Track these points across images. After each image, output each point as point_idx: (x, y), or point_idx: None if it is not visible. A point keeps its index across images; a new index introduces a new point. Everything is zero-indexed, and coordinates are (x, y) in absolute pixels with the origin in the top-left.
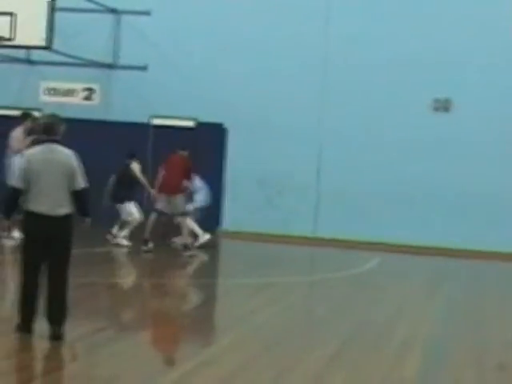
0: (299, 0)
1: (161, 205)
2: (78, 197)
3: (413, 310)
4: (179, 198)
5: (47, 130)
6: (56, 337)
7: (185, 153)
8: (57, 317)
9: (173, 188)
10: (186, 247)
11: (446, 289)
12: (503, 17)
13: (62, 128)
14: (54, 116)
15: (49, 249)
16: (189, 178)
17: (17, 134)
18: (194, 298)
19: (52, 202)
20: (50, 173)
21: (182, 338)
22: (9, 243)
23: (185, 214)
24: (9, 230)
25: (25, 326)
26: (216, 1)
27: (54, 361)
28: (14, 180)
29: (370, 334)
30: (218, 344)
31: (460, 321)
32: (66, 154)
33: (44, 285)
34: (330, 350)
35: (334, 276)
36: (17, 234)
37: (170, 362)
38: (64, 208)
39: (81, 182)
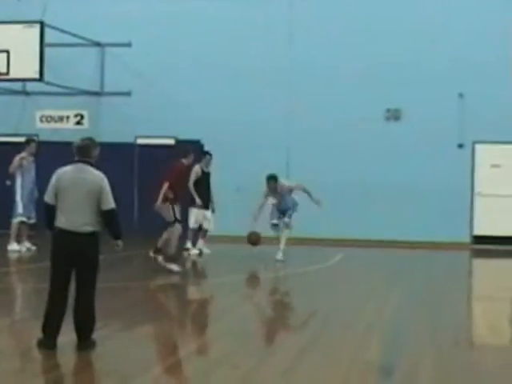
0: (264, 27)
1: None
2: (105, 217)
3: (375, 298)
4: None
5: (80, 151)
6: (82, 348)
7: (186, 160)
8: (85, 328)
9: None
10: (169, 258)
11: (405, 278)
12: (446, 34)
13: (96, 151)
14: (90, 139)
15: (74, 264)
16: (174, 186)
17: (16, 158)
18: (182, 296)
19: (77, 220)
20: (77, 191)
21: (170, 333)
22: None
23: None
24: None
25: (47, 341)
26: (189, 33)
27: (56, 358)
28: (45, 196)
29: (337, 322)
30: (206, 336)
31: (418, 306)
32: (94, 175)
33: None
34: (302, 339)
35: (303, 271)
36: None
37: (160, 354)
38: (89, 226)
39: (108, 203)
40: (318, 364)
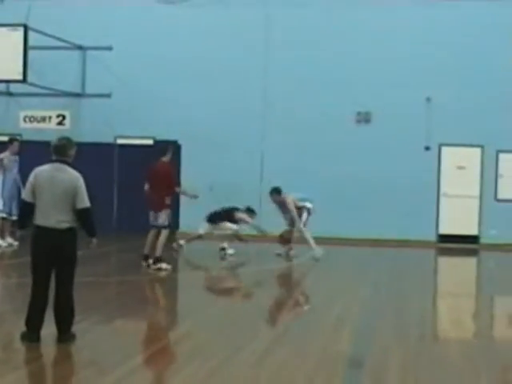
0: (241, 32)
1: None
2: (80, 216)
3: (345, 293)
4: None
5: (57, 150)
6: (62, 341)
7: (165, 158)
8: (65, 321)
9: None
10: (157, 260)
11: (370, 273)
12: (414, 42)
13: (73, 150)
14: (67, 139)
15: (53, 259)
16: (171, 190)
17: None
18: (159, 290)
19: (55, 217)
20: (54, 190)
21: (148, 326)
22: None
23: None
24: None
25: (30, 334)
26: (167, 37)
27: (39, 350)
28: (23, 193)
29: (309, 316)
30: (181, 328)
31: (385, 301)
32: (70, 174)
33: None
34: (276, 330)
35: (277, 267)
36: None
37: (137, 346)
38: (66, 223)
39: (82, 202)
40: (289, 355)
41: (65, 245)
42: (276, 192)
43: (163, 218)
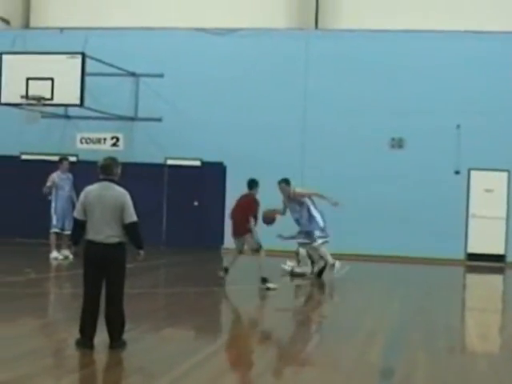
0: (282, 62)
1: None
2: (128, 230)
3: (376, 307)
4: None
5: (104, 169)
6: (113, 348)
7: (254, 192)
8: (115, 329)
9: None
10: (264, 280)
11: (401, 289)
12: (446, 73)
13: (118, 169)
14: (112, 158)
15: (105, 271)
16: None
17: (51, 175)
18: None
19: (105, 232)
20: (103, 207)
21: (194, 335)
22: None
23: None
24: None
25: (84, 341)
26: (214, 66)
27: (92, 356)
28: (75, 212)
29: (342, 328)
30: (225, 338)
31: (413, 314)
32: (118, 191)
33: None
34: (310, 342)
35: (310, 282)
36: (55, 254)
37: (184, 355)
38: (116, 237)
39: (130, 217)
40: (323, 366)
41: (114, 258)
42: (285, 182)
43: (251, 240)
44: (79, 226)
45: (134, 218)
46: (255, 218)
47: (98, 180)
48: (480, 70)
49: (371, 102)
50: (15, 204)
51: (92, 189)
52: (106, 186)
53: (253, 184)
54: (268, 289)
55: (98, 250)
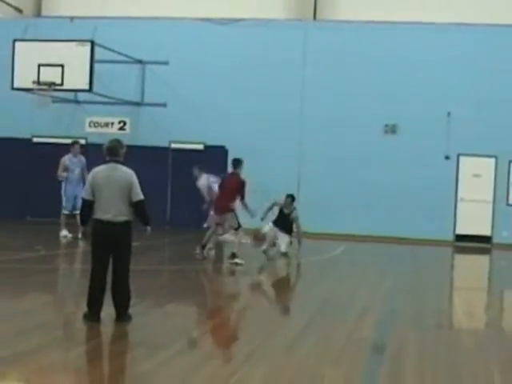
0: (280, 52)
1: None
2: (135, 207)
3: (368, 285)
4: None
5: (110, 151)
6: (122, 320)
7: (236, 171)
8: (121, 304)
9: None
10: (233, 255)
11: (394, 269)
12: (437, 65)
13: (123, 150)
14: (117, 140)
15: (112, 248)
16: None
17: (62, 158)
18: (206, 279)
19: (113, 211)
20: (111, 187)
21: (195, 310)
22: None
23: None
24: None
25: (92, 315)
26: (216, 53)
27: (98, 329)
28: (83, 192)
29: (335, 306)
30: (223, 314)
31: (405, 293)
32: (124, 172)
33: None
34: (306, 317)
35: (306, 261)
36: (64, 232)
37: (186, 328)
38: (123, 216)
39: (137, 195)
40: (317, 341)
41: (121, 236)
42: (291, 198)
43: (232, 219)
44: (87, 206)
45: (141, 197)
46: (242, 197)
47: (105, 162)
48: (470, 61)
49: (366, 90)
50: (26, 185)
51: (99, 170)
52: (114, 167)
53: (237, 163)
54: (236, 264)
55: (106, 228)
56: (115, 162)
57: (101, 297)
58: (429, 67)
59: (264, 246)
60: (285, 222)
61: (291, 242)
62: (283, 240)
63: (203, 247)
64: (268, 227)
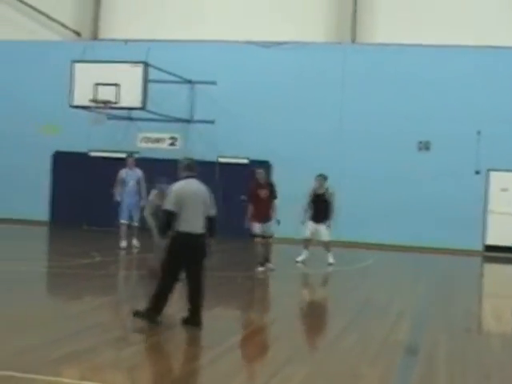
0: (321, 74)
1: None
2: (212, 221)
3: (402, 292)
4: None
5: (190, 167)
6: (197, 324)
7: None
8: (197, 307)
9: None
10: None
11: (425, 276)
12: (466, 85)
13: (197, 167)
14: (191, 158)
15: (192, 258)
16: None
17: (119, 171)
18: (252, 282)
19: (200, 224)
20: (198, 201)
21: (242, 313)
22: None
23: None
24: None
25: (154, 317)
26: (261, 74)
27: (151, 330)
28: (167, 205)
29: (372, 310)
30: (270, 315)
31: (436, 299)
32: (203, 187)
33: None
34: (344, 320)
35: (343, 269)
36: (123, 243)
37: (233, 329)
38: (202, 228)
39: (214, 209)
40: (355, 342)
41: (202, 246)
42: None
43: (270, 227)
44: (172, 218)
45: (216, 211)
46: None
47: (186, 177)
48: (499, 82)
49: (402, 109)
50: (83, 195)
51: (185, 184)
52: (197, 183)
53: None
54: (270, 269)
55: (192, 239)
56: (193, 177)
57: (166, 301)
58: (460, 87)
59: (302, 257)
60: (320, 206)
61: (329, 226)
62: (323, 231)
63: (266, 261)
64: (309, 231)
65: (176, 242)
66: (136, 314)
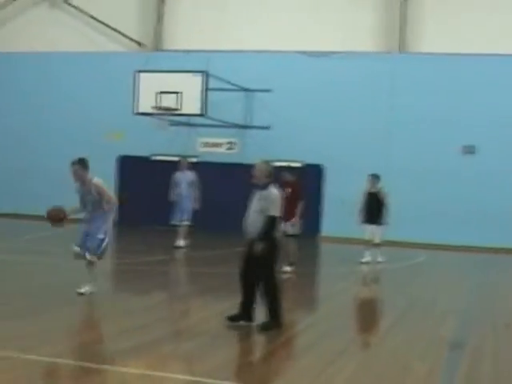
0: (370, 80)
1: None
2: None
3: (449, 289)
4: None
5: (272, 174)
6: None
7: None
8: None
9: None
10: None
11: (471, 274)
12: (507, 90)
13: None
14: (270, 163)
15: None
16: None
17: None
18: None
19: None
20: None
21: (295, 309)
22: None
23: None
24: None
25: (279, 320)
26: (312, 81)
27: (211, 324)
28: (273, 211)
29: (419, 307)
30: (318, 313)
31: (481, 297)
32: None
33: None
34: (392, 318)
35: (393, 266)
36: (181, 242)
37: (286, 323)
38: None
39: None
40: (404, 337)
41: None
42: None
43: (298, 227)
44: (276, 223)
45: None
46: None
47: (269, 183)
48: None
49: (448, 115)
50: (146, 197)
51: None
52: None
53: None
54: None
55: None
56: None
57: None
58: (505, 95)
59: (367, 258)
60: (374, 205)
61: (384, 224)
62: (377, 233)
63: (291, 264)
64: (368, 233)
65: (275, 246)
66: (263, 327)
